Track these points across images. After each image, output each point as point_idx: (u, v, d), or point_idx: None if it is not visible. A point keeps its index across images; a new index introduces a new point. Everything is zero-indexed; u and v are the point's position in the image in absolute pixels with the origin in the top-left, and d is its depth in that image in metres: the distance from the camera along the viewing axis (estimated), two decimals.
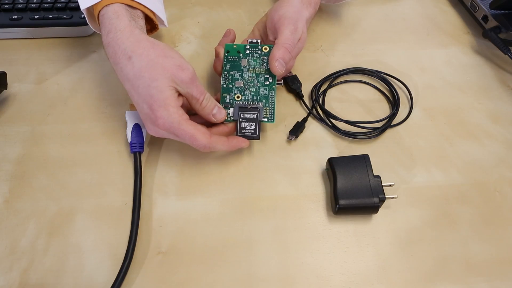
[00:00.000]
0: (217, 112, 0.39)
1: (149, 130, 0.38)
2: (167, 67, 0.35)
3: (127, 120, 0.42)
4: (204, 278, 0.35)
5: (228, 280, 0.35)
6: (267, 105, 0.41)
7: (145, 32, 0.40)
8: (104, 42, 0.38)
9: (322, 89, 0.48)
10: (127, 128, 0.41)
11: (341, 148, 0.43)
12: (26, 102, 0.46)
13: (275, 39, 0.42)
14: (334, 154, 0.43)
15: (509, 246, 0.37)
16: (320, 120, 0.45)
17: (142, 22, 0.40)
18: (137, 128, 0.41)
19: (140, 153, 0.41)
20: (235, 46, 0.44)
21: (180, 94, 0.37)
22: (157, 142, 0.43)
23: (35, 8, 0.51)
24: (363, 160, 0.39)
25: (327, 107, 0.46)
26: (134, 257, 0.35)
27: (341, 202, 0.36)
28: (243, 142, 0.39)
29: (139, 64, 0.35)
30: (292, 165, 0.42)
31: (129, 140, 0.41)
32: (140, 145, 0.41)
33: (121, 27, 0.37)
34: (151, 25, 0.44)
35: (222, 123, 0.40)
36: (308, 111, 0.46)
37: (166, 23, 0.46)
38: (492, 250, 0.37)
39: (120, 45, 0.36)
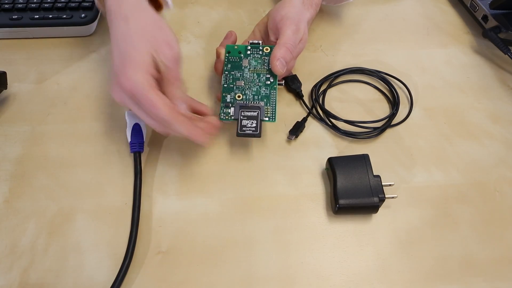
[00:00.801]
0: (181, 108, 0.37)
1: (113, 91, 0.35)
2: (157, 38, 0.36)
3: (127, 120, 0.42)
4: (204, 278, 0.35)
5: (228, 280, 0.35)
6: (268, 104, 0.41)
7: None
8: (107, 7, 0.37)
9: (322, 89, 0.48)
10: (127, 128, 0.41)
11: (341, 147, 0.43)
12: (26, 102, 0.46)
13: (277, 39, 0.42)
14: (334, 153, 0.43)
15: (509, 246, 0.37)
16: (320, 120, 0.45)
17: None
18: (137, 128, 0.41)
19: (140, 153, 0.41)
20: (236, 47, 0.44)
21: (157, 70, 0.35)
22: (157, 142, 0.43)
23: (35, 8, 0.51)
24: (363, 160, 0.39)
25: (327, 107, 0.46)
26: (134, 257, 0.35)
27: (341, 201, 0.36)
28: (204, 137, 0.36)
29: (133, 26, 0.35)
30: (292, 165, 0.42)
31: (129, 140, 0.41)
32: (140, 145, 0.41)
33: None
34: (154, 5, 0.43)
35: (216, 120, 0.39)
36: (308, 111, 0.46)
37: (170, 4, 0.45)
38: (492, 250, 0.37)
39: (123, 6, 0.36)
